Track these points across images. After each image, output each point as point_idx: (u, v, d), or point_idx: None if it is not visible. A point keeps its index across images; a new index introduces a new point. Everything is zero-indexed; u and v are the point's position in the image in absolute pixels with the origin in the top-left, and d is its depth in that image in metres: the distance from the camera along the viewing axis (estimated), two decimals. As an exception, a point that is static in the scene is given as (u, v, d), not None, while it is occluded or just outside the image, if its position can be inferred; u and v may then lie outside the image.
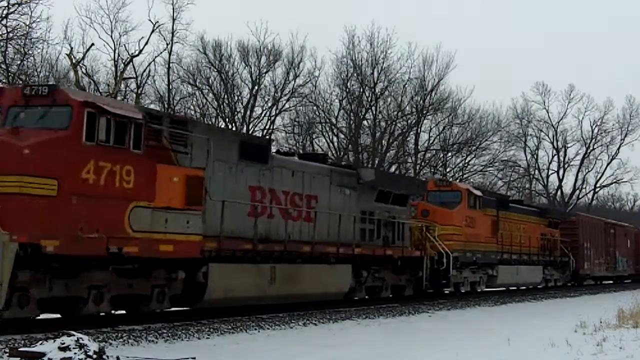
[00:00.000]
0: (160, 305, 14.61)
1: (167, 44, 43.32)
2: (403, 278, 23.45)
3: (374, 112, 50.20)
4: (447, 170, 55.07)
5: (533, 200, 61.21)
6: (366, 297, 21.76)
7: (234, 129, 46.15)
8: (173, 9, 42.92)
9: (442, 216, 25.63)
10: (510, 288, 33.41)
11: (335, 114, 50.43)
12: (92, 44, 39.69)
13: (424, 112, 51.75)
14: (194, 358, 10.53)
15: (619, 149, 66.89)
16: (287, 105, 49.09)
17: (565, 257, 37.30)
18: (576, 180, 67.90)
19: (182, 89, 46.97)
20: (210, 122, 46.13)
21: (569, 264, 37.45)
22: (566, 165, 67.70)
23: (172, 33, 43.07)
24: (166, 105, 44.23)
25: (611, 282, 47.03)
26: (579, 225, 39.77)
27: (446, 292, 26.19)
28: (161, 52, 43.50)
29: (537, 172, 67.51)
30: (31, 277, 12.08)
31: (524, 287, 34.34)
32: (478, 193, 28.11)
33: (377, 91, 49.74)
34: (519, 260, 31.62)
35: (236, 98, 48.34)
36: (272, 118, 48.58)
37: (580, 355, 11.53)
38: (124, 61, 41.36)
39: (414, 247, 23.82)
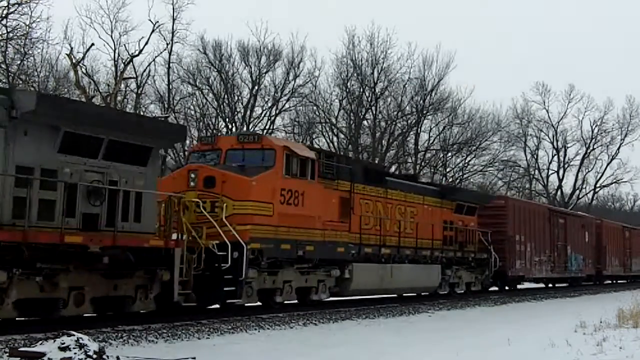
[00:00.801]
0: None
1: (167, 44, 43.39)
2: (127, 285, 13.88)
3: (374, 112, 50.22)
4: (447, 170, 55.15)
5: (533, 200, 61.18)
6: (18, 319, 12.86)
7: (234, 129, 46.22)
8: (173, 8, 42.99)
9: (237, 187, 16.55)
10: (406, 295, 24.98)
11: (335, 114, 50.51)
12: (92, 44, 39.76)
13: (424, 112, 51.77)
14: (194, 358, 10.55)
15: (619, 149, 67.00)
16: (287, 105, 49.15)
17: (484, 253, 28.18)
18: (576, 180, 68.03)
19: (182, 89, 47.01)
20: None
21: (489, 262, 28.27)
22: (566, 165, 67.82)
23: (172, 33, 43.14)
24: (166, 105, 44.24)
25: (566, 284, 38.79)
26: (507, 212, 30.50)
27: (242, 303, 17.03)
28: (161, 52, 43.58)
29: (537, 172, 67.62)
30: None
31: (410, 294, 25.27)
32: (307, 154, 18.46)
33: (377, 91, 49.74)
34: (397, 257, 22.56)
35: (236, 98, 48.36)
36: (272, 118, 48.61)
37: (580, 355, 11.53)
38: (124, 61, 41.42)
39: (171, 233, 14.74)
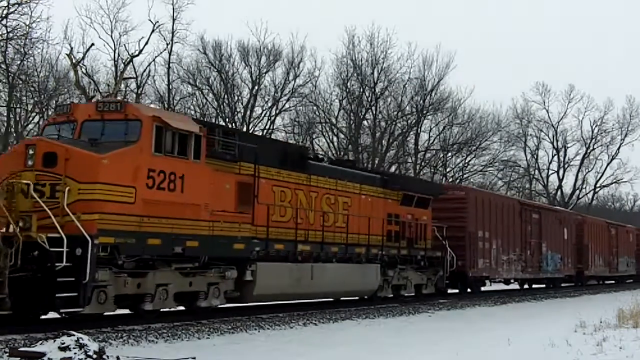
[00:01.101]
0: None
1: (167, 44, 43.38)
2: None
3: (374, 112, 50.24)
4: (447, 170, 55.18)
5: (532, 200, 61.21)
6: None
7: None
8: (173, 9, 42.96)
9: (83, 166, 13.09)
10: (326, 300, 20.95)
11: (335, 114, 50.54)
12: (92, 44, 39.76)
13: (424, 112, 51.80)
14: (194, 358, 10.55)
15: (619, 149, 67.06)
16: (287, 105, 49.22)
17: (439, 250, 24.65)
18: (576, 180, 68.09)
19: (182, 89, 47.08)
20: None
21: (444, 261, 24.69)
22: (566, 165, 67.88)
23: (172, 33, 43.12)
24: (166, 105, 44.27)
25: (543, 285, 36.19)
26: (468, 205, 26.89)
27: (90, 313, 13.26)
28: (161, 52, 43.57)
29: (537, 172, 67.66)
30: None
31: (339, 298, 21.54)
32: (188, 128, 14.70)
33: (377, 91, 49.76)
34: (321, 255, 18.94)
35: (236, 98, 48.42)
36: (272, 118, 48.66)
37: (580, 355, 11.54)
38: (124, 61, 41.40)
39: None
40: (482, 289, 29.71)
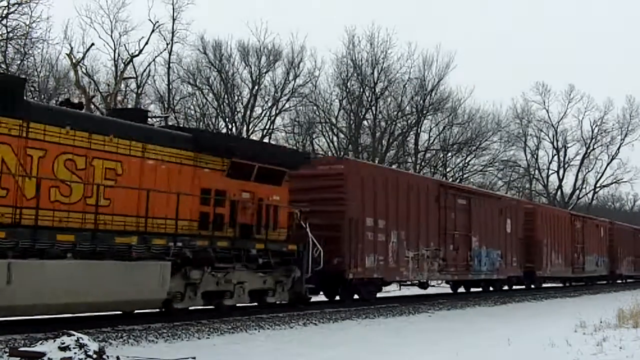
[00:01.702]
0: None
1: (167, 44, 43.48)
2: None
3: (374, 112, 50.28)
4: (447, 170, 55.19)
5: (533, 201, 61.15)
6: None
7: (234, 129, 46.34)
8: (173, 8, 43.08)
9: None
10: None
11: (335, 114, 50.59)
12: (92, 44, 39.85)
13: (424, 112, 51.84)
14: (194, 358, 10.55)
15: (619, 149, 67.16)
16: (287, 105, 49.29)
17: (296, 243, 17.65)
18: (576, 180, 68.16)
19: (182, 89, 47.12)
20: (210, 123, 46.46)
21: (303, 257, 17.71)
22: (566, 165, 67.95)
23: (172, 33, 43.22)
24: (166, 105, 44.28)
25: (479, 289, 29.05)
26: (347, 182, 20.03)
27: None
28: (161, 52, 43.66)
29: (537, 172, 67.72)
30: None
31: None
32: None
33: (377, 91, 49.82)
34: (35, 248, 11.84)
35: (236, 98, 48.45)
36: (272, 118, 48.67)
37: (580, 355, 11.55)
38: (124, 61, 41.46)
39: None
40: (380, 295, 22.35)
